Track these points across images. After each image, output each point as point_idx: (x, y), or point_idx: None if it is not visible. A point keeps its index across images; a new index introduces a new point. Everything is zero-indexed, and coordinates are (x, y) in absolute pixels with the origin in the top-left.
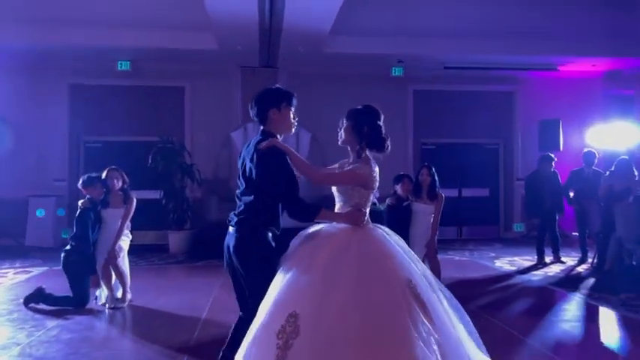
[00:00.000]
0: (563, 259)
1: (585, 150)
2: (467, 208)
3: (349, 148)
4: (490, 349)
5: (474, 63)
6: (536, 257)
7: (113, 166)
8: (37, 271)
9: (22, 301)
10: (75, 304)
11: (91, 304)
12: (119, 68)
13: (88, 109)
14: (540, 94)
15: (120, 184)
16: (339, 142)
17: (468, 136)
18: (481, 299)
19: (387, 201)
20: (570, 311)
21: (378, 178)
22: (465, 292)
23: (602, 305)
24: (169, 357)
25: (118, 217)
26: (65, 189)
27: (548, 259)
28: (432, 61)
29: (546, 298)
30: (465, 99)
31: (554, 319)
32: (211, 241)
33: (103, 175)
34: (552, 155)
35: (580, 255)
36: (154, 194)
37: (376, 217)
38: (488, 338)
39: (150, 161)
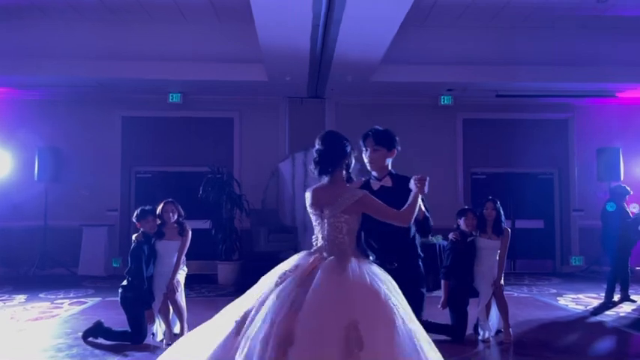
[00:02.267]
0: (633, 297)
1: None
2: (520, 240)
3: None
4: None
5: (527, 90)
6: (603, 295)
7: (169, 199)
8: (90, 301)
9: (80, 334)
10: (133, 339)
11: (149, 340)
12: (170, 100)
13: (140, 140)
14: (598, 121)
15: (175, 216)
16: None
17: (520, 165)
18: (555, 343)
19: (451, 236)
20: None
21: None
22: (537, 335)
23: None
24: None
25: (173, 250)
26: (117, 218)
27: (616, 297)
28: (483, 89)
29: (624, 343)
30: (516, 127)
31: None
32: (260, 272)
33: (159, 209)
34: (628, 188)
35: None
36: (203, 224)
37: (429, 249)
38: None
39: (201, 192)
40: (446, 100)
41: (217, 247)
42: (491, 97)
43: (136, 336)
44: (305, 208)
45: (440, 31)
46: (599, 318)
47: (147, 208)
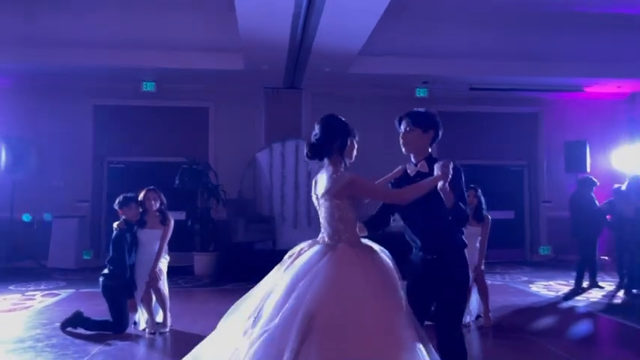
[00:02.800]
0: (601, 284)
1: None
2: (492, 230)
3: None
4: None
5: (500, 84)
6: (573, 282)
7: (151, 187)
8: (64, 293)
9: (57, 325)
10: (114, 328)
11: (130, 329)
12: (144, 89)
13: (113, 129)
14: (566, 115)
15: (157, 204)
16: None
17: (492, 157)
18: (533, 327)
19: None
20: (626, 339)
21: None
22: (514, 319)
23: None
24: None
25: (155, 239)
26: (88, 210)
27: (585, 283)
28: (458, 82)
29: (598, 326)
30: (490, 120)
31: (615, 348)
32: (237, 262)
33: (141, 197)
34: (595, 180)
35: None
36: (179, 215)
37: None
38: None
39: (177, 182)
40: (421, 92)
41: (193, 238)
42: (465, 90)
43: (117, 325)
44: (282, 197)
45: (417, 23)
46: (570, 303)
47: (129, 195)
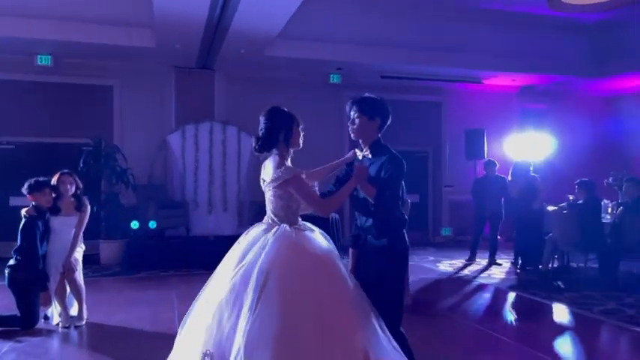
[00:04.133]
0: (498, 261)
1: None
2: None
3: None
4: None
5: (408, 73)
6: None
7: (65, 170)
8: None
9: None
10: (22, 324)
11: (40, 324)
12: (39, 63)
13: (2, 106)
14: (466, 104)
15: (73, 189)
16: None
17: (400, 143)
18: (445, 302)
19: None
20: (527, 310)
21: None
22: (428, 296)
23: (553, 303)
24: None
25: (70, 226)
26: None
27: (485, 261)
28: (370, 70)
29: (501, 299)
30: (398, 107)
31: (519, 317)
32: (148, 249)
33: (54, 181)
34: (495, 161)
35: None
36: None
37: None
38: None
39: (81, 165)
40: (335, 78)
41: (100, 225)
42: (377, 77)
43: (26, 320)
44: (196, 182)
45: (334, 9)
46: (476, 279)
47: (42, 179)
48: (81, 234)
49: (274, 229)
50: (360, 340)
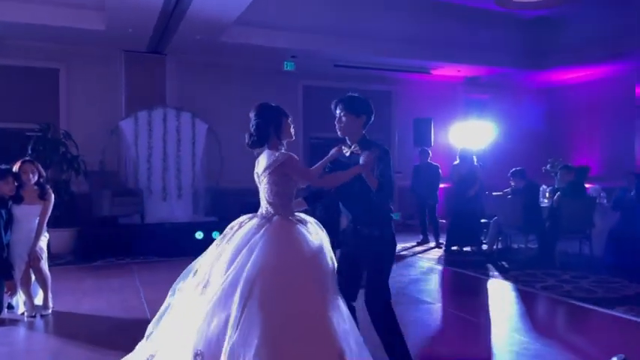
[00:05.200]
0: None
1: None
2: None
3: (348, 138)
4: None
5: (360, 63)
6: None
7: (27, 158)
8: None
9: None
10: None
11: (4, 314)
12: None
13: None
14: (415, 94)
15: (35, 177)
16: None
17: None
18: (401, 280)
19: None
20: (474, 287)
21: None
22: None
23: (498, 279)
24: None
25: (33, 215)
26: None
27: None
28: (323, 58)
29: (448, 276)
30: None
31: (460, 293)
32: (101, 237)
33: (15, 169)
34: (429, 150)
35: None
36: None
37: None
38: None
39: (29, 152)
40: (289, 66)
41: None
42: (330, 66)
43: None
44: (149, 169)
45: None
46: (424, 260)
47: (3, 167)
48: (45, 223)
49: (265, 227)
50: (337, 341)
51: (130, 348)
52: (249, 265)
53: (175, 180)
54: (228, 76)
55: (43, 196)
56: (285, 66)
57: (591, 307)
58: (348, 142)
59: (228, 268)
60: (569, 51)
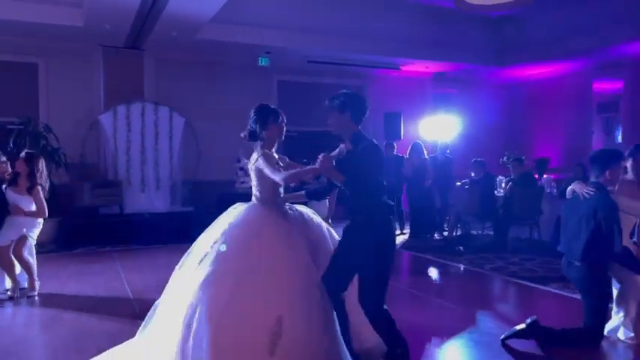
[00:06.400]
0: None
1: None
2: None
3: (335, 133)
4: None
5: (333, 59)
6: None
7: (23, 155)
8: None
9: None
10: None
11: None
12: None
13: None
14: (385, 89)
15: (26, 172)
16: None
17: (322, 125)
18: None
19: None
20: (433, 269)
21: None
22: None
23: (452, 262)
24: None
25: (20, 204)
26: None
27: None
28: (297, 54)
29: (411, 261)
30: (323, 91)
31: (422, 275)
32: (81, 227)
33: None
34: (394, 143)
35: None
36: None
37: None
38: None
39: (11, 145)
40: (264, 61)
41: None
42: (304, 62)
43: None
44: (128, 161)
45: None
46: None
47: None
48: (32, 215)
49: (250, 210)
50: (275, 307)
51: (115, 320)
52: (230, 245)
53: (154, 172)
54: (204, 71)
55: (30, 190)
56: (260, 62)
57: (529, 284)
58: (342, 139)
59: (210, 245)
60: (530, 49)
